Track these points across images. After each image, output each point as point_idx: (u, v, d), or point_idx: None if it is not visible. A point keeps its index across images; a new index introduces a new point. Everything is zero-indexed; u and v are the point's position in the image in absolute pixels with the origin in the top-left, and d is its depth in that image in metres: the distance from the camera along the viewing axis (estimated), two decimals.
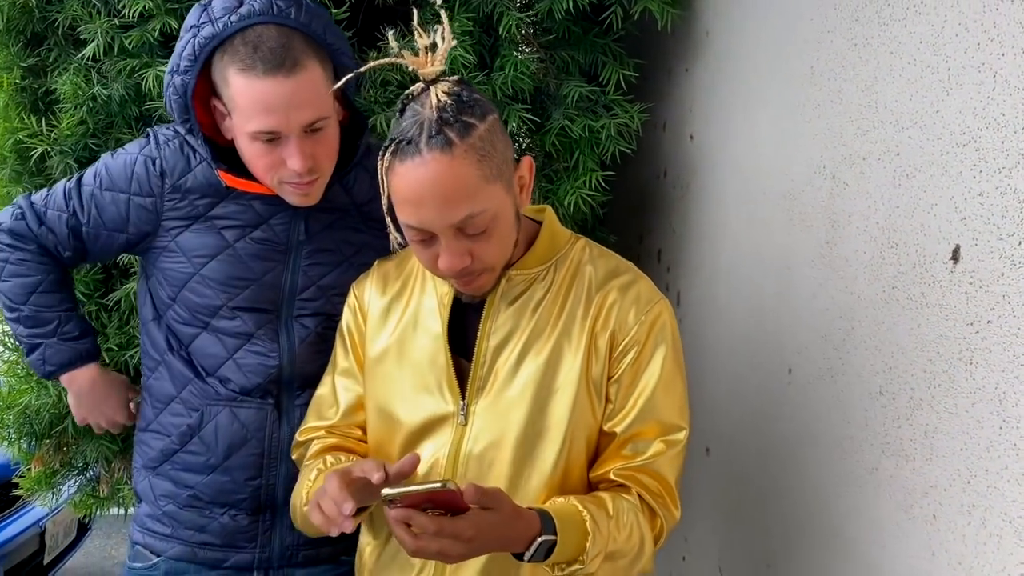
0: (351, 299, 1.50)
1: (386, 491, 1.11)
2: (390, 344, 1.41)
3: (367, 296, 1.46)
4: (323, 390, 1.51)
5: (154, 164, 1.54)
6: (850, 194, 1.47)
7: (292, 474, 1.55)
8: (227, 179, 1.52)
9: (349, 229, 1.61)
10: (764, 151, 1.77)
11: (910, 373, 1.30)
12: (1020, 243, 1.08)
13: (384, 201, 1.26)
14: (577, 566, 1.22)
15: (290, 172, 1.45)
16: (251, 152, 1.44)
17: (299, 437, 1.51)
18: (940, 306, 1.23)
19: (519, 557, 1.20)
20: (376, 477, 1.17)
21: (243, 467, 1.58)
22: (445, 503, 1.12)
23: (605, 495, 1.29)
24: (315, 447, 1.45)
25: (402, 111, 1.23)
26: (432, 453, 1.34)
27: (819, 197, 1.57)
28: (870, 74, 1.40)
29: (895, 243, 1.34)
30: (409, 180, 1.19)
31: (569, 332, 1.32)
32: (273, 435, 1.58)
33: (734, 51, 1.94)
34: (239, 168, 1.51)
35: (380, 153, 1.24)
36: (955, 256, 1.19)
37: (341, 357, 1.48)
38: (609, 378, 1.32)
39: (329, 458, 1.40)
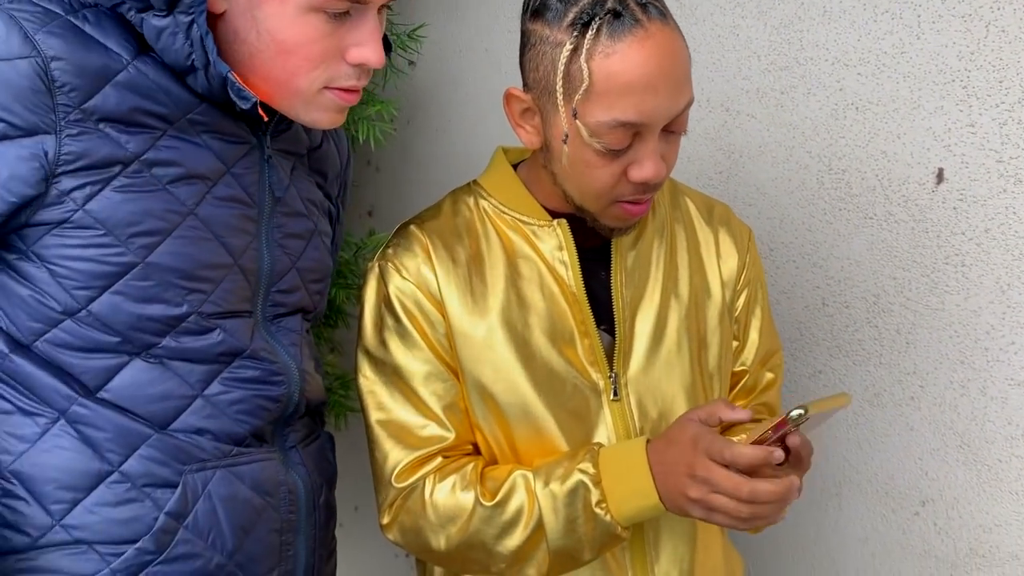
0: (396, 279, 1.10)
1: (796, 410, 0.92)
2: (492, 326, 1.10)
3: (427, 269, 1.10)
4: (393, 414, 1.09)
5: (38, 62, 0.86)
6: (757, 126, 1.57)
7: (312, 546, 1.09)
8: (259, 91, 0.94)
9: (306, 181, 1.13)
10: None
11: (872, 282, 1.50)
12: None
13: (562, 99, 0.99)
14: None
15: (350, 69, 0.96)
16: (304, 32, 0.92)
17: (399, 482, 1.08)
18: (917, 221, 1.44)
19: None
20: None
21: (261, 556, 1.04)
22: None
23: None
24: (437, 486, 1.07)
25: None
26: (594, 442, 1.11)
27: (705, 129, 1.63)
28: (789, 13, 1.51)
29: (840, 170, 1.50)
30: (636, 59, 0.97)
31: (702, 268, 1.20)
32: (291, 494, 1.07)
33: None
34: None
35: (553, 38, 0.99)
36: (940, 177, 1.41)
37: (409, 359, 1.10)
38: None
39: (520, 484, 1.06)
